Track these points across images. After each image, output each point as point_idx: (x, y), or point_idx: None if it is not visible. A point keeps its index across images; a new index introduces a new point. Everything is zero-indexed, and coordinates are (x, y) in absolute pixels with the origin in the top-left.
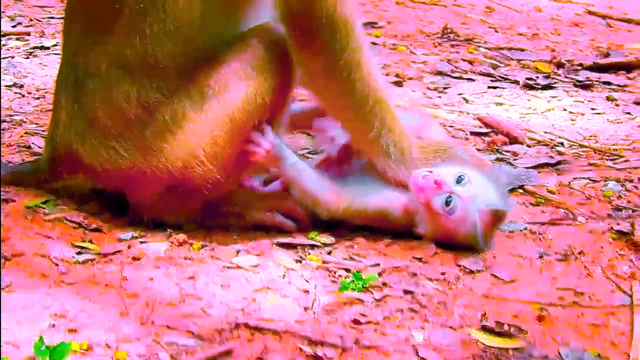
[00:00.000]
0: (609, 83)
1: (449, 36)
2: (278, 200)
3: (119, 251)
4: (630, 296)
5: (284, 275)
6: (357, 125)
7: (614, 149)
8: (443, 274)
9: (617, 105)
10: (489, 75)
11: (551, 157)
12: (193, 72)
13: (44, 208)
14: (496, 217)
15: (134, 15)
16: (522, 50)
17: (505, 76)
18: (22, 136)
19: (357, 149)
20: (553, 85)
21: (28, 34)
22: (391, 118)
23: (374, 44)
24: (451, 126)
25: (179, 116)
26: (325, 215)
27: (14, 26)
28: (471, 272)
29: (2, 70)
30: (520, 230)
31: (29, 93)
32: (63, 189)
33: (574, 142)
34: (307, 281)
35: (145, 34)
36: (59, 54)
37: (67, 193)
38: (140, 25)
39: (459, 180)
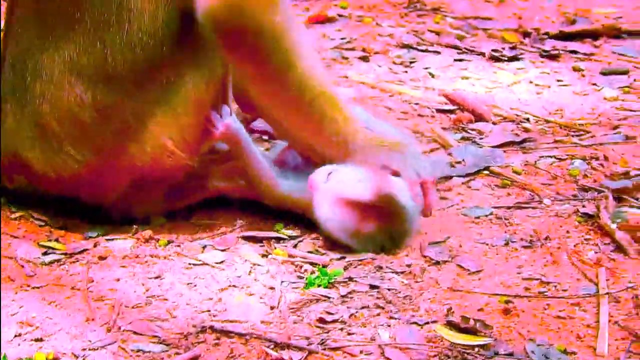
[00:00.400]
0: (575, 52)
1: (416, 5)
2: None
3: (85, 250)
4: (596, 285)
5: (249, 272)
6: (296, 120)
7: (580, 124)
8: (409, 266)
9: (584, 75)
10: (455, 47)
11: (517, 134)
12: (150, 73)
13: (10, 206)
14: (358, 208)
15: (96, 24)
16: (489, 19)
17: (471, 48)
18: None
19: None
20: (519, 57)
21: None
22: (333, 107)
23: (340, 16)
24: (417, 104)
25: (140, 113)
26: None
27: None
28: (437, 263)
29: None
30: (486, 216)
31: None
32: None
33: (539, 117)
34: (273, 277)
35: (107, 43)
36: None
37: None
38: (103, 34)
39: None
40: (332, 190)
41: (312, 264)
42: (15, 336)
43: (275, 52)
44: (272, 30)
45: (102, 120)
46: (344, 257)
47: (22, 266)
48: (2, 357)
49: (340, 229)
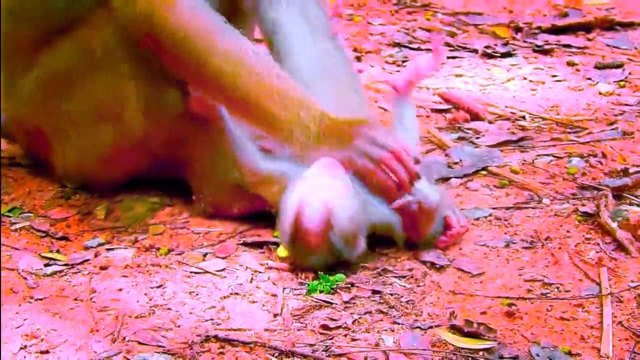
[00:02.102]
0: (568, 46)
1: (406, 2)
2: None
3: (86, 260)
4: (599, 285)
5: (251, 279)
6: (231, 111)
7: (576, 121)
8: (410, 270)
9: (578, 70)
10: (447, 45)
11: (513, 132)
12: None
13: (10, 217)
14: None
15: None
16: (480, 14)
17: (463, 45)
18: None
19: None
20: (512, 53)
21: None
22: (268, 96)
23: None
24: None
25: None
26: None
27: None
28: (438, 266)
29: None
30: (486, 217)
31: None
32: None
33: (535, 115)
34: (274, 284)
35: None
36: None
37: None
38: None
39: None
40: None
41: (313, 270)
42: (21, 349)
43: (181, 53)
44: (171, 33)
45: None
46: (345, 262)
47: (25, 278)
48: None
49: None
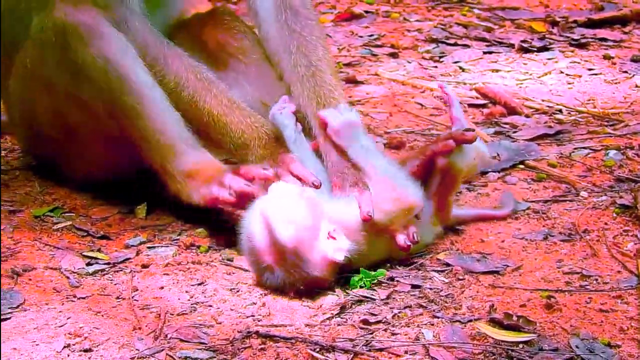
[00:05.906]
0: (604, 39)
1: None
2: None
3: (128, 259)
4: (637, 276)
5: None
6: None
7: (613, 113)
8: (448, 264)
9: (614, 63)
10: (483, 40)
11: (550, 126)
12: None
13: (52, 217)
14: None
15: None
16: (516, 9)
17: (500, 40)
18: None
19: None
20: (549, 47)
21: None
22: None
23: (367, 12)
24: None
25: None
26: None
27: None
28: (477, 260)
29: None
30: (524, 210)
31: None
32: None
33: (572, 108)
34: None
35: None
36: None
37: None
38: None
39: None
40: None
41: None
42: (64, 347)
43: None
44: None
45: None
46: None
47: (67, 277)
48: None
49: None
